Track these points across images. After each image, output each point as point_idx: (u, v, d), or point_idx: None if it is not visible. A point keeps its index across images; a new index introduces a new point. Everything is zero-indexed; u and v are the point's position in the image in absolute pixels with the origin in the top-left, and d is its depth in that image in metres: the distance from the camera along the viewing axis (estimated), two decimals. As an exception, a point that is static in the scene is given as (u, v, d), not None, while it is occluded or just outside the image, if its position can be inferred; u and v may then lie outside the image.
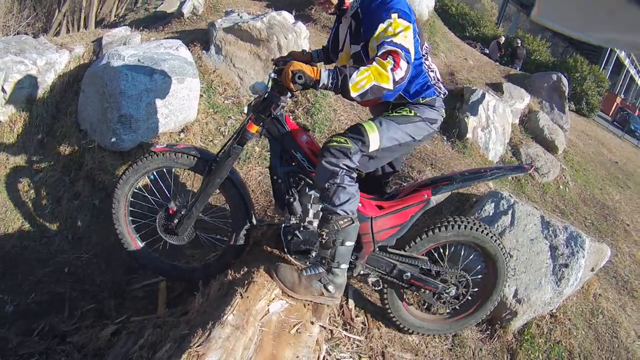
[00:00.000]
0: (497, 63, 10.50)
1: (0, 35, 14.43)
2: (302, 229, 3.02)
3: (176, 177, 3.54)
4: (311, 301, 2.93)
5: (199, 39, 5.63)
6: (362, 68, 2.52)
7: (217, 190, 3.20)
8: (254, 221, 3.28)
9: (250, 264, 3.06)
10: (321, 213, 2.90)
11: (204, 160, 3.19)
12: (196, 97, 4.86)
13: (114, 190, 3.44)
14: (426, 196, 3.02)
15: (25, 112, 4.91)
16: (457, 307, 3.43)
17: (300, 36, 5.62)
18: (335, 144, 2.73)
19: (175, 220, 3.26)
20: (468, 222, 3.17)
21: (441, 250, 3.33)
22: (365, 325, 3.35)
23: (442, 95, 2.95)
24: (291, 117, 5.07)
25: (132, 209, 3.52)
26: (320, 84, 2.55)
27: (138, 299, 3.73)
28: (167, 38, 5.40)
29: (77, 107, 4.84)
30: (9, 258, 4.21)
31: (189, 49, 5.06)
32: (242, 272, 2.91)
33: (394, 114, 2.86)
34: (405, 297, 3.40)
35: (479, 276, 3.40)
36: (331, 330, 2.98)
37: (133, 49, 4.43)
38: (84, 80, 4.72)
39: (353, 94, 2.51)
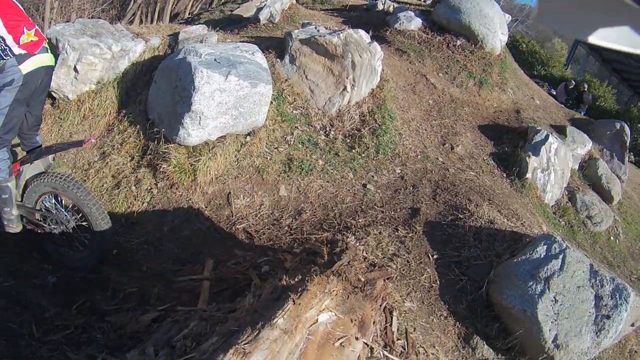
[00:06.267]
0: (563, 105, 10.35)
1: (74, 16, 14.95)
2: None
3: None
4: None
5: (274, 46, 5.72)
6: None
7: None
8: None
9: (305, 272, 3.08)
10: None
11: None
12: (267, 103, 4.93)
13: None
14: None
15: (95, 94, 5.09)
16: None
17: (375, 56, 5.66)
18: None
19: None
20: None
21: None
22: (404, 349, 3.33)
23: (10, 56, 3.01)
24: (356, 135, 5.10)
25: None
26: None
27: (183, 291, 3.78)
28: (243, 41, 5.51)
29: (147, 97, 4.99)
30: (58, 232, 4.34)
31: (264, 56, 5.15)
32: (296, 279, 2.94)
33: None
34: None
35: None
36: (372, 348, 2.97)
37: (210, 48, 4.54)
38: (158, 71, 4.86)
39: None
